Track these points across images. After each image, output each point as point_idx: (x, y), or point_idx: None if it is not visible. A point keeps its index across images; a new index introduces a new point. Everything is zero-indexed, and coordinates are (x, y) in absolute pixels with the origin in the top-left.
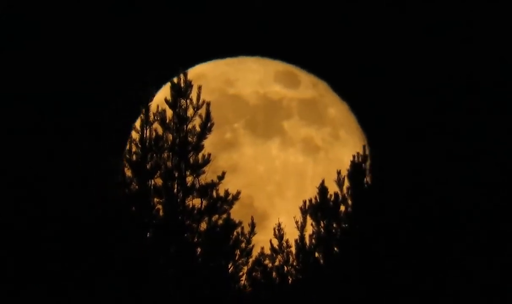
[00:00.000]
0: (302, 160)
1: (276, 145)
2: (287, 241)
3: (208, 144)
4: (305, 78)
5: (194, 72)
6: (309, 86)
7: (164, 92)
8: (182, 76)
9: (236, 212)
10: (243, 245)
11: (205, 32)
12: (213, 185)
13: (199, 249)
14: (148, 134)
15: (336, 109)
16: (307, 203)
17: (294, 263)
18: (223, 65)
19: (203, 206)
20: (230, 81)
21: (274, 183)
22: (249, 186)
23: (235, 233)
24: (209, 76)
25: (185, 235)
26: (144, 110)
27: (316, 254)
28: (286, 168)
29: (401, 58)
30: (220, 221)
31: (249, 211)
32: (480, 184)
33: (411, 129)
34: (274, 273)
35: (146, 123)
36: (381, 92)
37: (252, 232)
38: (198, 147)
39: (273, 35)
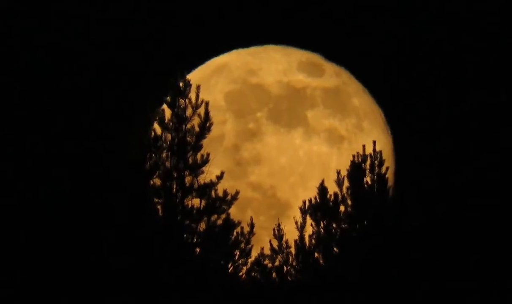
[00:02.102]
0: (325, 150)
1: (300, 135)
2: (286, 242)
3: (231, 133)
4: (329, 67)
5: (217, 62)
6: (332, 75)
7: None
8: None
9: (259, 203)
10: (242, 245)
11: (227, 22)
12: (212, 185)
13: (198, 249)
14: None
15: (360, 98)
16: (307, 203)
17: (294, 263)
18: (246, 54)
19: (202, 206)
20: (253, 70)
21: (297, 173)
22: (272, 176)
23: (234, 233)
24: (232, 66)
25: (185, 235)
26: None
27: (316, 255)
28: (309, 158)
29: (427, 49)
30: (220, 221)
31: (271, 201)
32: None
33: (434, 124)
34: (273, 274)
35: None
36: (405, 83)
37: (251, 232)
38: (197, 147)
39: (296, 24)
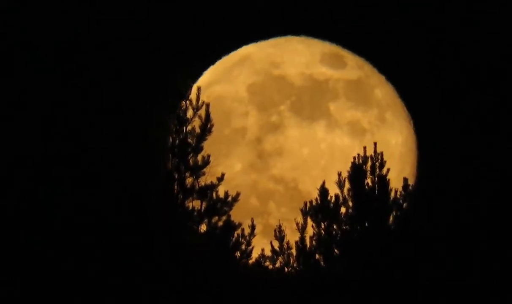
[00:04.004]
0: (347, 143)
1: (322, 127)
2: (287, 243)
3: (254, 126)
4: (351, 59)
5: (240, 54)
6: (355, 67)
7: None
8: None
9: (281, 195)
10: (243, 247)
11: (249, 13)
12: (212, 187)
13: (198, 251)
14: None
15: (382, 90)
16: (308, 204)
17: (295, 265)
18: (269, 46)
19: (203, 207)
20: (275, 62)
21: (319, 166)
22: (294, 169)
23: (235, 234)
24: (255, 58)
25: (185, 237)
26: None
27: (317, 256)
28: (331, 151)
29: (451, 42)
30: (220, 223)
31: (293, 193)
32: None
33: (458, 117)
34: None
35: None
36: (427, 75)
37: (252, 233)
38: (198, 149)
39: (318, 14)
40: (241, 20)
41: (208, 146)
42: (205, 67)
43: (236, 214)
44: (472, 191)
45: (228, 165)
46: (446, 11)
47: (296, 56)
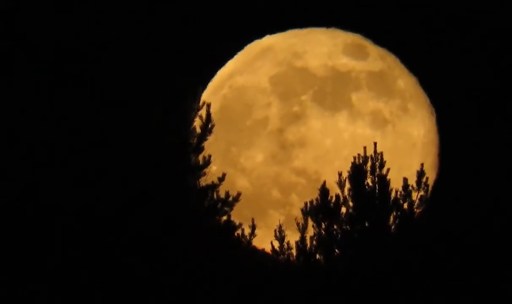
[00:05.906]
0: (369, 133)
1: (344, 118)
2: (288, 243)
3: (276, 117)
4: (374, 50)
5: (262, 45)
6: (377, 58)
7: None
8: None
9: (304, 187)
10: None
11: (270, 3)
12: (213, 187)
13: (198, 251)
14: None
15: (405, 81)
16: (308, 204)
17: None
18: (291, 37)
19: (203, 207)
20: (298, 53)
21: (341, 156)
22: (316, 160)
23: (235, 234)
24: (277, 48)
25: (185, 237)
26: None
27: (317, 256)
28: (353, 141)
29: (476, 34)
30: (220, 223)
31: (316, 185)
32: None
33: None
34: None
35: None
36: (452, 66)
37: (252, 233)
38: (199, 149)
39: (341, 5)
40: (262, 11)
41: (230, 137)
42: (225, 60)
43: (258, 206)
44: (492, 190)
45: (249, 155)
46: (471, 2)
47: (319, 47)
